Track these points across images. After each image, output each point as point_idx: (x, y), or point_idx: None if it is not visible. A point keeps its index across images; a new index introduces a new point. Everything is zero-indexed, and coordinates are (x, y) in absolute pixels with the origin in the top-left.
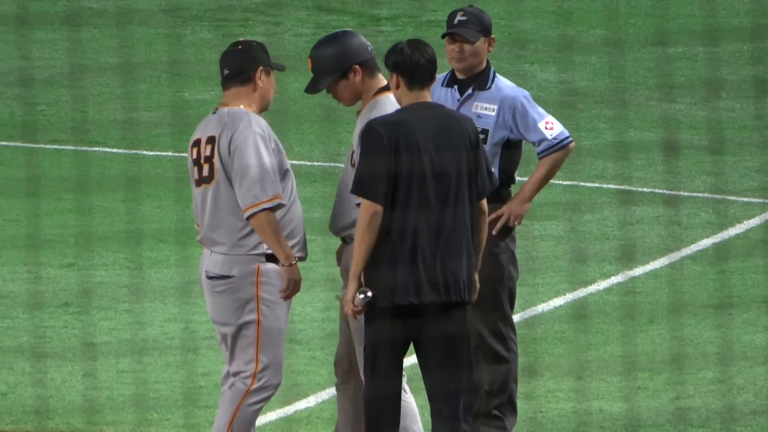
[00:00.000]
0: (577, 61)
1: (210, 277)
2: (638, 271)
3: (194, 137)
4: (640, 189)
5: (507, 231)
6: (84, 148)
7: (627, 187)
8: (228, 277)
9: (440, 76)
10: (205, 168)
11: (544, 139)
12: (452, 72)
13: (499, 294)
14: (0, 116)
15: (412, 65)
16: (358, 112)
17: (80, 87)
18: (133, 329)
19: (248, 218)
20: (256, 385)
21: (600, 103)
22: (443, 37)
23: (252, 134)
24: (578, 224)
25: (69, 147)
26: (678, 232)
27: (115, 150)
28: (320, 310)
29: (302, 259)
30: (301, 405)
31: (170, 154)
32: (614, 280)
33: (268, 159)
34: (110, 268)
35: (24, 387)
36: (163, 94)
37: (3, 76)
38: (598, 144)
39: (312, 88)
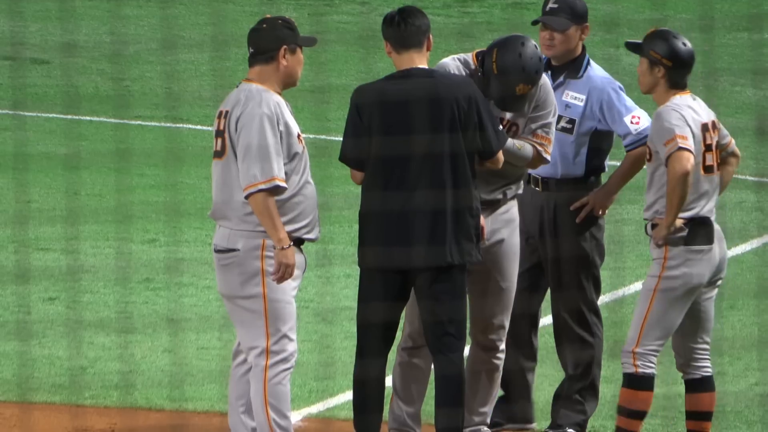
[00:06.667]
0: None
1: (217, 251)
2: None
3: (219, 109)
4: None
5: (592, 219)
6: (169, 125)
7: None
8: (233, 250)
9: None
10: (218, 142)
11: (629, 133)
12: (548, 57)
13: (582, 280)
14: (86, 91)
15: (394, 29)
16: None
17: (167, 63)
18: (214, 305)
19: (246, 197)
20: (272, 360)
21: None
22: (534, 23)
23: (259, 114)
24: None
25: (154, 123)
26: (761, 218)
27: (199, 127)
28: None
29: (312, 240)
30: None
31: None
32: None
33: (272, 140)
34: (192, 245)
35: (104, 362)
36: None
37: (90, 50)
38: None
39: None
